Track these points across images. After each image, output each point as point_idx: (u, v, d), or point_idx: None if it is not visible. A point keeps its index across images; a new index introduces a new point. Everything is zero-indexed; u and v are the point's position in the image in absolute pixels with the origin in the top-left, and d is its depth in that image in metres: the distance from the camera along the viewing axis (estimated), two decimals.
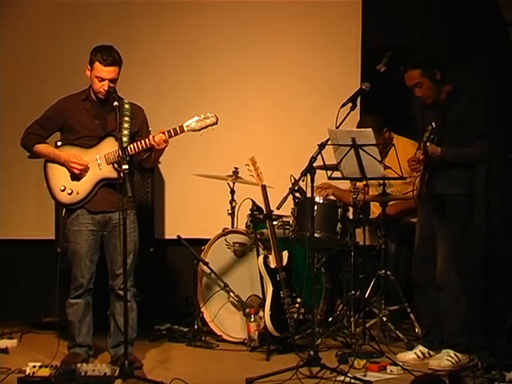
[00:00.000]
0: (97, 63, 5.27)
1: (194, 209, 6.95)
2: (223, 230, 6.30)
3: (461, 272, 5.43)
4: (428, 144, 5.26)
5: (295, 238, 6.13)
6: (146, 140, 5.29)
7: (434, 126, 5.18)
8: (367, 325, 6.03)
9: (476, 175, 5.55)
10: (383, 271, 6.08)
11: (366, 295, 6.14)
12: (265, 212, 6.05)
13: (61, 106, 5.43)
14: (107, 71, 5.26)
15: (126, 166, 4.97)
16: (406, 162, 5.52)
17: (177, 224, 6.89)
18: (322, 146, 5.30)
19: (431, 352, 5.55)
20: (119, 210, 5.02)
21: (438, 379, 4.64)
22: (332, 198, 6.48)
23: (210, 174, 6.42)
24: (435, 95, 5.44)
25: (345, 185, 6.55)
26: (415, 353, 5.58)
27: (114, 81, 5.29)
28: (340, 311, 6.26)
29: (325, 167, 5.55)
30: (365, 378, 5.10)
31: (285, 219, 6.32)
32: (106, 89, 5.28)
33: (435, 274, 5.44)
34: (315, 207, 5.94)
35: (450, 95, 5.44)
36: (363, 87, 5.56)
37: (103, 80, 5.28)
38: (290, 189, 5.53)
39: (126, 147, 5.24)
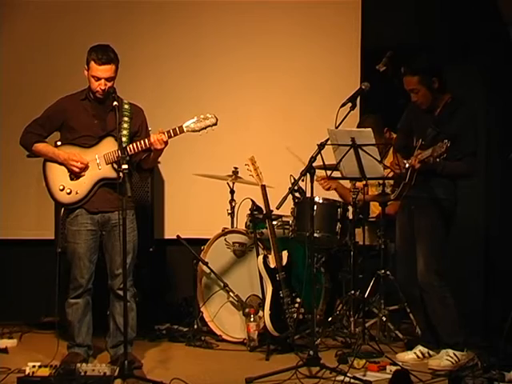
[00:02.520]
0: (92, 62, 5.27)
1: (194, 209, 6.95)
2: (223, 230, 6.30)
3: (442, 274, 5.44)
4: (420, 152, 5.31)
5: (295, 237, 6.13)
6: (146, 140, 5.29)
7: (449, 144, 5.16)
8: (367, 325, 6.03)
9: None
10: (383, 271, 6.09)
11: (366, 295, 6.14)
12: (264, 212, 6.06)
13: (60, 106, 5.43)
14: (102, 70, 5.26)
15: (125, 166, 4.98)
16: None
17: (176, 224, 6.89)
18: (321, 146, 5.31)
19: (431, 352, 5.56)
20: (118, 210, 5.03)
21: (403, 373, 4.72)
22: (334, 192, 6.48)
23: (209, 174, 6.43)
24: (430, 102, 5.47)
25: (345, 184, 6.55)
26: (415, 353, 5.58)
27: (110, 79, 5.29)
28: (339, 311, 6.26)
29: (324, 167, 5.56)
30: (364, 378, 5.11)
31: (284, 219, 6.33)
32: (103, 88, 5.28)
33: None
34: (315, 207, 5.94)
35: (448, 105, 5.46)
36: (363, 87, 5.58)
37: (99, 79, 5.28)
38: (289, 189, 5.54)
39: (126, 147, 5.24)
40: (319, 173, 5.75)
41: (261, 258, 5.93)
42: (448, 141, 5.15)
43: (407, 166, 5.39)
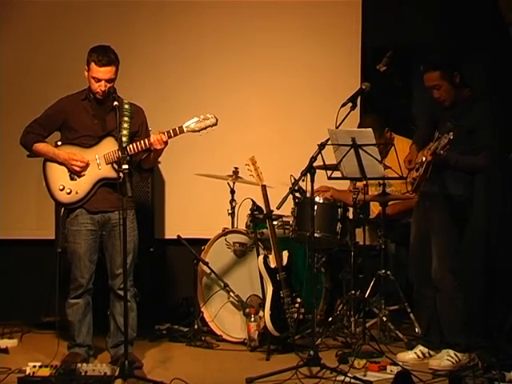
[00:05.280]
0: (92, 64, 5.27)
1: (194, 209, 6.95)
2: (223, 230, 6.30)
3: (456, 272, 5.43)
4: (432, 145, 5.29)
5: (295, 237, 6.13)
6: (146, 140, 5.30)
7: (451, 137, 5.15)
8: (367, 325, 6.02)
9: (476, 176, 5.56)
10: (383, 271, 6.08)
11: (366, 295, 6.14)
12: (265, 212, 6.05)
13: (60, 106, 5.43)
14: (103, 71, 5.26)
15: (125, 166, 4.98)
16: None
17: (177, 224, 6.89)
18: (321, 146, 5.30)
19: (431, 352, 5.55)
20: (119, 210, 5.03)
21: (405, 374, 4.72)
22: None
23: (210, 174, 6.42)
24: (453, 98, 5.42)
25: (345, 185, 6.55)
26: (415, 353, 5.58)
27: (110, 81, 5.29)
28: (340, 311, 6.25)
29: (325, 167, 5.56)
30: (365, 378, 5.11)
31: (285, 219, 6.32)
32: (103, 89, 5.28)
33: (431, 274, 5.46)
34: (315, 207, 5.94)
35: (468, 99, 5.42)
36: (363, 87, 5.57)
37: (99, 80, 5.28)
38: (290, 189, 5.54)
39: (126, 147, 5.24)
40: (318, 176, 5.71)
41: (261, 258, 5.93)
42: (451, 133, 5.13)
43: (423, 159, 5.34)
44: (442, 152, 5.17)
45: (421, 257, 5.55)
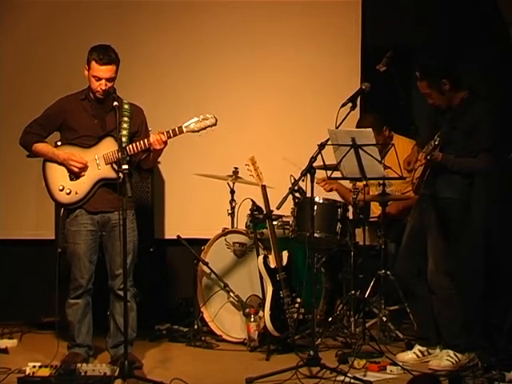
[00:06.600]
0: (93, 62, 5.27)
1: (194, 209, 6.95)
2: (223, 230, 6.30)
3: (452, 275, 5.42)
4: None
5: (295, 237, 6.13)
6: (145, 140, 5.30)
7: (437, 143, 5.16)
8: (367, 325, 6.03)
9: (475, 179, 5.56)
10: (383, 271, 6.08)
11: (366, 295, 6.14)
12: (265, 212, 6.06)
13: (60, 106, 5.43)
14: (103, 70, 5.26)
15: (125, 166, 4.98)
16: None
17: (177, 224, 6.89)
18: (321, 146, 5.30)
19: (430, 350, 5.55)
20: (118, 210, 5.03)
21: (436, 379, 4.65)
22: (335, 193, 6.47)
23: (209, 174, 6.43)
24: (446, 103, 5.40)
25: (345, 185, 6.55)
26: (414, 352, 5.57)
27: (111, 80, 5.29)
28: (340, 311, 6.26)
29: (325, 167, 5.56)
30: (365, 378, 5.11)
31: (285, 219, 6.32)
32: (103, 88, 5.28)
33: (423, 274, 5.46)
34: (315, 207, 5.94)
35: (465, 101, 5.40)
36: (363, 87, 5.57)
37: (100, 79, 5.28)
38: (289, 189, 5.54)
39: (125, 147, 5.24)
40: (319, 174, 5.74)
41: (261, 258, 5.93)
42: (437, 139, 5.15)
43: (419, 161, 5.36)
44: (428, 157, 5.19)
45: (411, 255, 5.56)
